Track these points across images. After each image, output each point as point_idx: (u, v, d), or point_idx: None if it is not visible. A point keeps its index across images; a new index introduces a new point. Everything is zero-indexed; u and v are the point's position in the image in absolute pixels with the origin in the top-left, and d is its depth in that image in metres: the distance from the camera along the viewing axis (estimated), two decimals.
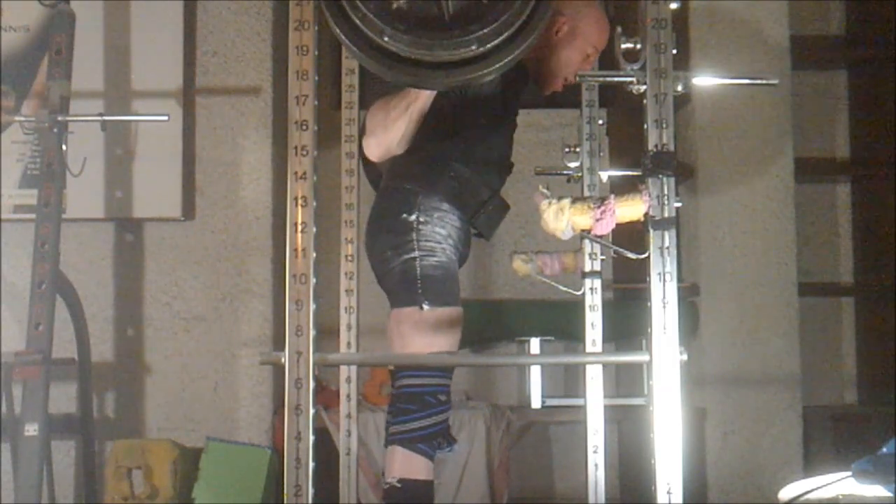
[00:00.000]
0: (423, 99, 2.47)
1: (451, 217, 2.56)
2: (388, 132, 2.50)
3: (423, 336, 2.48)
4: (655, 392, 1.81)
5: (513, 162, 2.81)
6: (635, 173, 2.01)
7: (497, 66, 1.88)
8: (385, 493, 2.50)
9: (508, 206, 2.66)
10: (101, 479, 3.79)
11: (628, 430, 4.31)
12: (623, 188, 1.97)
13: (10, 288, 3.93)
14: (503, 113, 2.69)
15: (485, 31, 1.83)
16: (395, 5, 1.84)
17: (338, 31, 1.86)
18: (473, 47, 1.83)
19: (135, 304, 4.14)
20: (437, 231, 2.53)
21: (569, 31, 2.65)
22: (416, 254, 2.50)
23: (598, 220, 1.89)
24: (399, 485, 2.45)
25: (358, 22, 1.83)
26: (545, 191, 1.99)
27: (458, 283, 2.57)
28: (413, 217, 2.52)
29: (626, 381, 4.27)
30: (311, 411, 1.81)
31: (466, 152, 2.60)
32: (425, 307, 2.48)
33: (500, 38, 1.85)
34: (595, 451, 2.85)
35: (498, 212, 2.64)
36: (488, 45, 1.84)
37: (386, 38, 1.82)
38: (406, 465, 2.46)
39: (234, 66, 4.20)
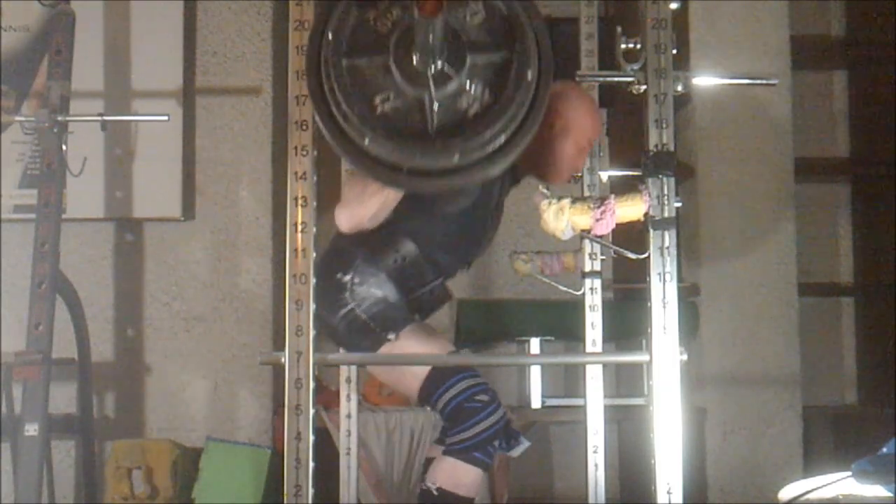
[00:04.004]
0: None
1: (388, 287, 2.50)
2: (363, 207, 2.40)
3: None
4: (655, 392, 1.81)
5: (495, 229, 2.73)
6: (635, 173, 2.01)
7: (478, 176, 1.83)
8: (421, 493, 2.47)
9: (450, 297, 2.62)
10: (101, 479, 3.79)
11: (628, 430, 4.30)
12: (623, 188, 1.97)
13: (10, 288, 3.93)
14: (480, 197, 2.58)
15: (467, 144, 1.77)
16: (379, 110, 1.78)
17: (322, 125, 1.82)
18: (455, 159, 1.78)
19: (135, 304, 4.13)
20: (373, 292, 2.48)
21: (562, 126, 2.55)
22: (352, 305, 2.46)
23: (598, 220, 1.90)
24: (436, 492, 2.42)
25: (341, 121, 1.78)
26: (545, 191, 1.99)
27: (403, 307, 2.51)
28: (347, 277, 2.47)
29: (626, 381, 4.27)
30: (311, 411, 1.81)
31: (422, 231, 2.53)
32: (391, 337, 2.45)
33: (484, 153, 1.79)
34: (595, 451, 2.85)
35: (437, 300, 2.59)
36: (470, 158, 1.79)
37: (367, 142, 1.77)
38: (450, 475, 2.43)
39: (234, 66, 4.20)
